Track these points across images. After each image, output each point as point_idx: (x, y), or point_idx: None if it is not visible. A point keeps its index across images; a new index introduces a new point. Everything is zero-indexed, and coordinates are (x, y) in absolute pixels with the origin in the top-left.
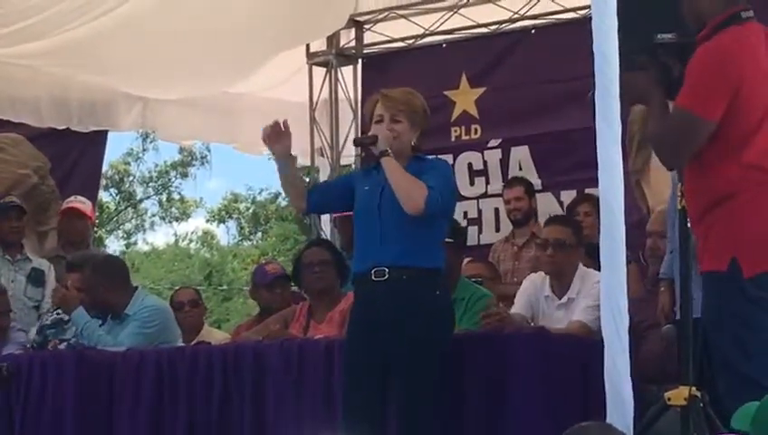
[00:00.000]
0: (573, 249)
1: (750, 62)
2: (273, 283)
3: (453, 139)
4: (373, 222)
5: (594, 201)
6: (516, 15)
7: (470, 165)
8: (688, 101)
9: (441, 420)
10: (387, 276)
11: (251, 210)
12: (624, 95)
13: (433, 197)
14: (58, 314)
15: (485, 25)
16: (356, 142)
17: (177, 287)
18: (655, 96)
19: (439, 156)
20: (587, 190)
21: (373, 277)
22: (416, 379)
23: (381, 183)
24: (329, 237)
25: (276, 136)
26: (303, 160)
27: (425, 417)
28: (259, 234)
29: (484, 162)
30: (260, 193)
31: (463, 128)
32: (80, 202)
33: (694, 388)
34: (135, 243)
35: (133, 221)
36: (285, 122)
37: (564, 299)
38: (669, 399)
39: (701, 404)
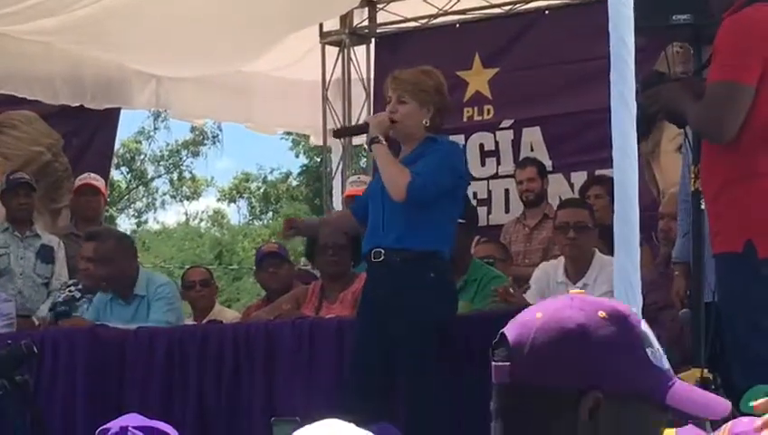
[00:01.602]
0: (592, 231)
1: None
2: (262, 260)
3: (465, 119)
4: (377, 205)
5: (605, 183)
6: None
7: (481, 145)
8: (722, 71)
9: (450, 402)
10: (383, 258)
11: (262, 190)
12: (654, 110)
13: (415, 184)
14: (70, 291)
15: (499, 6)
16: (337, 134)
17: (187, 266)
18: (685, 98)
19: (451, 136)
20: (597, 172)
21: (372, 259)
22: (412, 360)
23: None
24: None
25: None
26: (316, 140)
27: (426, 401)
28: (270, 213)
29: (496, 143)
30: (271, 172)
31: (475, 108)
32: (94, 179)
33: (706, 370)
34: (146, 222)
35: (144, 200)
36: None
37: (580, 284)
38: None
39: (713, 386)
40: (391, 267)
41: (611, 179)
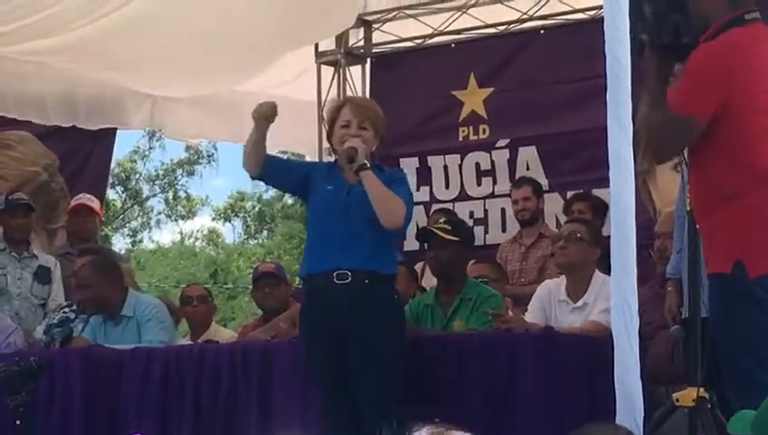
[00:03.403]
0: (586, 244)
1: (748, 60)
2: (258, 279)
3: (461, 139)
4: (336, 223)
5: (589, 200)
6: (525, 16)
7: (477, 165)
8: (681, 99)
9: (446, 418)
10: (349, 280)
11: (257, 209)
12: None
13: (408, 213)
14: (65, 312)
15: (494, 26)
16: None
17: (183, 285)
18: (651, 83)
19: (447, 156)
20: (594, 191)
21: (335, 280)
22: (375, 383)
23: (347, 185)
24: None
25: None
26: (312, 159)
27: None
28: (265, 232)
29: (492, 162)
30: (266, 191)
31: (471, 128)
32: (88, 199)
33: (702, 389)
34: (141, 241)
35: (139, 219)
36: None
37: (580, 303)
38: (678, 400)
39: (709, 405)
40: (358, 289)
41: (594, 196)
